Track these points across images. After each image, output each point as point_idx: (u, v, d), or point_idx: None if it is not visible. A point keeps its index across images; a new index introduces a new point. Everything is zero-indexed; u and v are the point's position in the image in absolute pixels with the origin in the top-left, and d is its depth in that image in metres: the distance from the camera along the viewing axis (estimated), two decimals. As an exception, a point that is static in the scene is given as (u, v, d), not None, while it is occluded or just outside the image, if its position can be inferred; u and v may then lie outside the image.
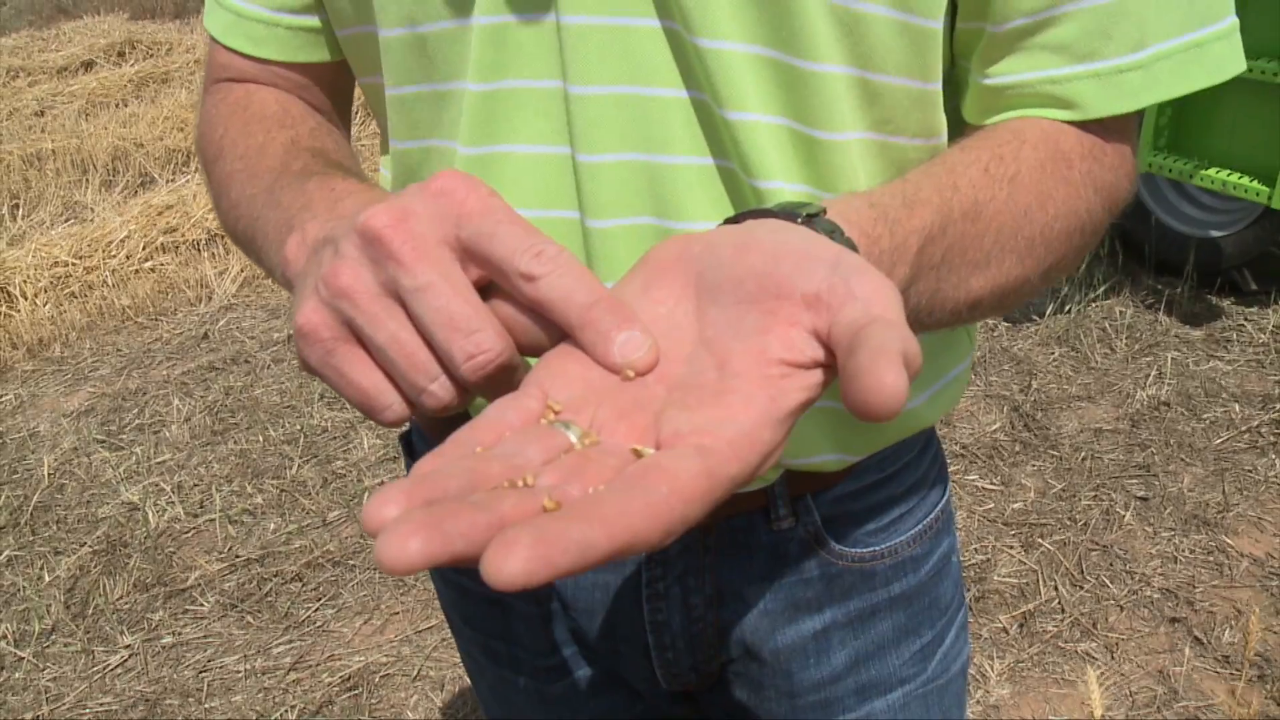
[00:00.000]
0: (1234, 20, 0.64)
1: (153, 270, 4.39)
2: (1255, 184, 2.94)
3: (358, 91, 0.80)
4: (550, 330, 0.45)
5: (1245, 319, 3.27)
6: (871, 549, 0.78)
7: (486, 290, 0.46)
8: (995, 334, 3.31)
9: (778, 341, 0.41)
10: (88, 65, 8.42)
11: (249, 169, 0.67)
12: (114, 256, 4.42)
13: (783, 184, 0.62)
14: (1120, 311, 3.35)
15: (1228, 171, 3.03)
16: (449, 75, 0.64)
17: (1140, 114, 0.66)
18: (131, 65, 8.17)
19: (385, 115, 0.71)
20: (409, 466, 0.86)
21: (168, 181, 5.41)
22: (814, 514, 0.76)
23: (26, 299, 4.14)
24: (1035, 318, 3.36)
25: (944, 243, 0.55)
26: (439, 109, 0.66)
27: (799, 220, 0.47)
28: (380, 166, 0.77)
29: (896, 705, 0.82)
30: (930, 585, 0.82)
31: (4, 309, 4.10)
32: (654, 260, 0.46)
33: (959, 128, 0.67)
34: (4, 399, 3.63)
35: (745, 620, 0.78)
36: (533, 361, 0.45)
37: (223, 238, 4.61)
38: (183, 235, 4.60)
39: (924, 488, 0.81)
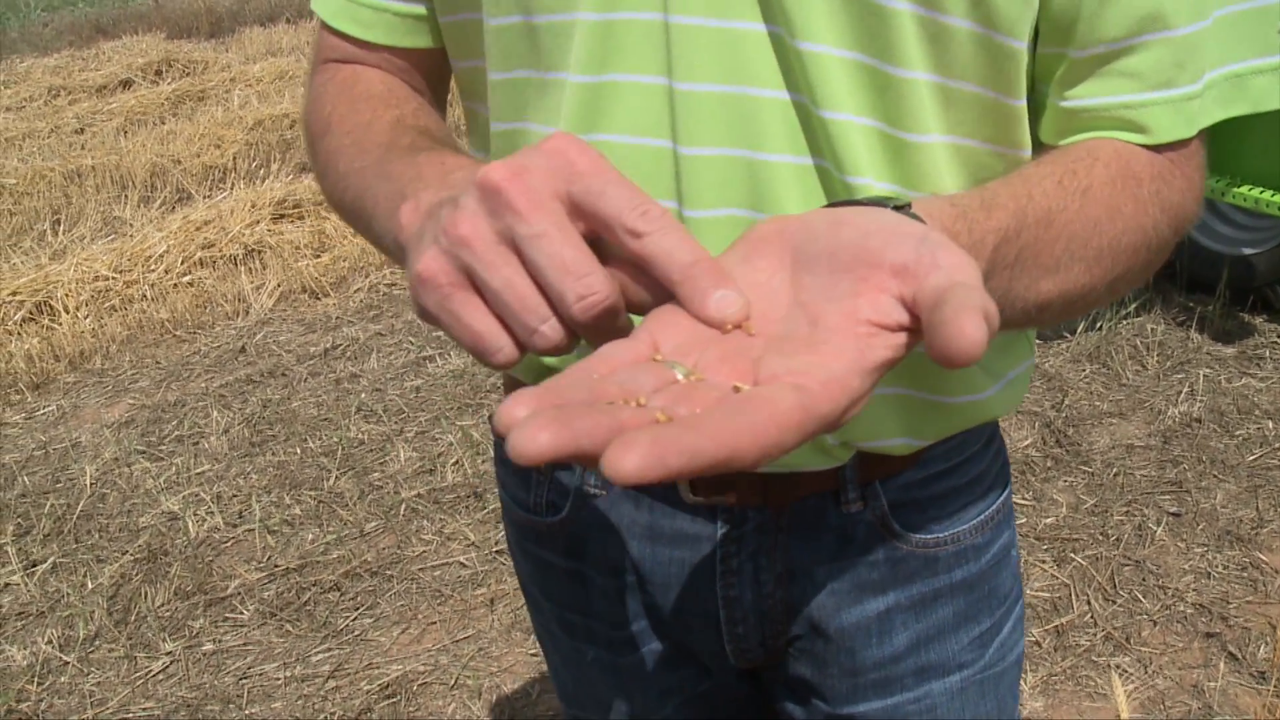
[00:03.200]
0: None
1: (191, 285, 4.46)
2: (1287, 200, 2.95)
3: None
4: (652, 287, 0.48)
5: (1279, 336, 3.26)
6: (935, 535, 0.82)
7: (593, 246, 0.49)
8: (1026, 350, 3.33)
9: (867, 304, 0.45)
10: (126, 84, 8.56)
11: (357, 144, 0.71)
12: (153, 271, 4.50)
13: (872, 181, 0.66)
14: (1152, 329, 3.35)
15: (1259, 189, 3.03)
16: (554, 65, 0.68)
17: (1204, 140, 0.70)
18: (169, 84, 8.30)
19: (481, 99, 0.75)
20: (498, 447, 0.91)
21: (204, 197, 5.50)
22: (881, 499, 0.79)
23: (68, 313, 4.22)
24: (1067, 335, 3.37)
25: (1017, 245, 0.59)
26: (542, 95, 0.70)
27: (886, 206, 0.51)
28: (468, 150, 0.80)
29: (954, 689, 0.85)
30: (990, 574, 0.85)
31: (46, 322, 4.18)
32: (754, 235, 0.50)
33: (1037, 149, 0.70)
34: (46, 410, 3.70)
35: (813, 598, 0.82)
36: (637, 320, 0.48)
37: (260, 252, 4.69)
38: (220, 250, 4.68)
39: (987, 480, 0.85)
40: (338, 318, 4.20)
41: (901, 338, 0.45)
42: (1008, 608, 0.88)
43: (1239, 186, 3.06)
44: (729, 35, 0.64)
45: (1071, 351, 3.28)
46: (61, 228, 5.31)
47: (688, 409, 0.40)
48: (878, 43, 0.63)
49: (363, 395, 3.56)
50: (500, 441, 0.91)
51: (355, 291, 4.41)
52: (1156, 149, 0.66)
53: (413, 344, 3.89)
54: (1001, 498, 0.86)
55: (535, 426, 0.36)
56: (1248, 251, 3.36)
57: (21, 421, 3.66)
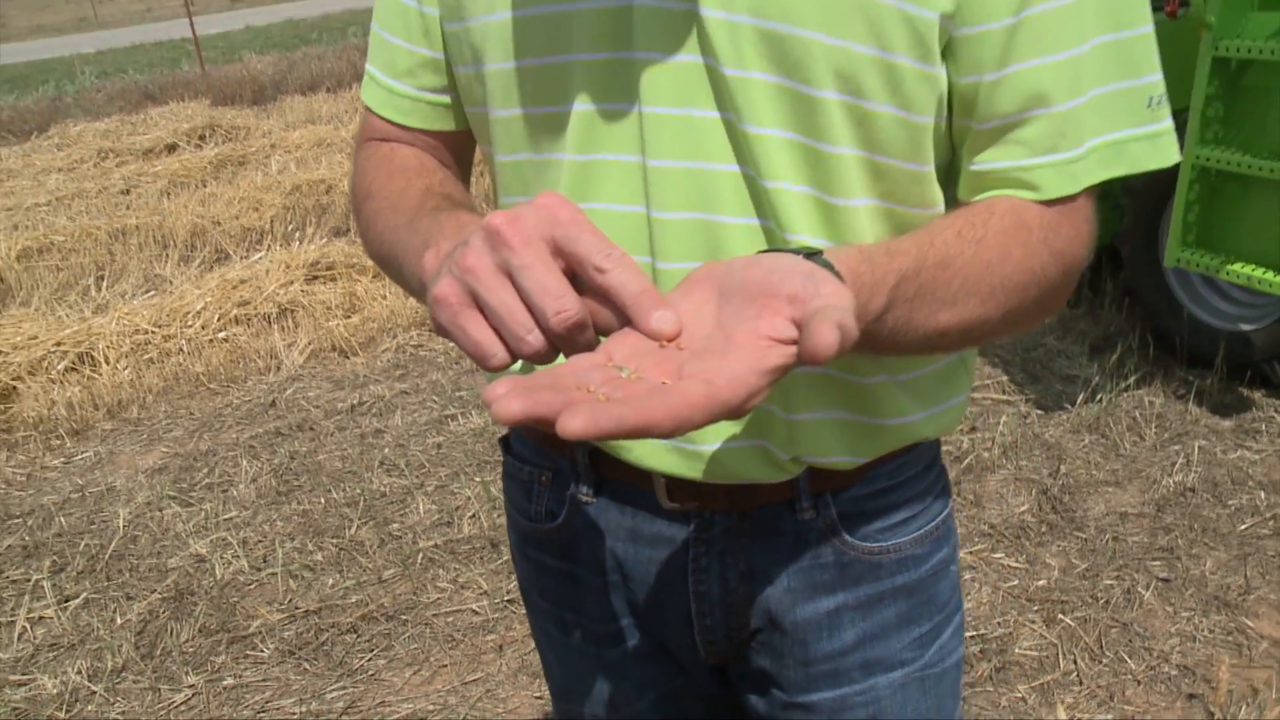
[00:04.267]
0: (1163, 125, 0.81)
1: (225, 340, 4.64)
2: (1278, 278, 3.05)
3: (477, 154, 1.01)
4: (612, 311, 0.63)
5: (1275, 410, 3.35)
6: (880, 544, 0.94)
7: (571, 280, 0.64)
8: (1028, 421, 3.42)
9: (767, 324, 0.60)
10: (171, 148, 8.89)
11: (393, 207, 0.88)
12: (190, 326, 4.68)
13: (807, 237, 0.80)
14: (1151, 401, 3.44)
15: (1253, 266, 3.14)
16: (551, 149, 0.84)
17: (1094, 195, 0.83)
18: (211, 148, 8.61)
19: (496, 178, 0.91)
20: (506, 465, 1.06)
21: (242, 258, 5.71)
22: (831, 509, 0.92)
23: (109, 364, 4.40)
24: (1067, 406, 3.46)
25: (917, 282, 0.73)
26: (541, 173, 0.86)
27: (798, 254, 0.65)
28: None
29: (897, 684, 0.97)
30: (929, 582, 0.97)
31: (88, 372, 4.36)
32: (692, 276, 0.65)
33: (956, 206, 0.84)
34: (84, 455, 3.86)
35: (771, 595, 0.94)
36: (602, 339, 0.63)
37: (292, 312, 4.86)
38: (255, 308, 4.86)
39: (927, 498, 0.97)
40: (365, 376, 4.35)
41: (793, 349, 0.59)
42: (947, 614, 0.99)
43: (1234, 264, 3.17)
44: (690, 121, 0.79)
45: (1072, 422, 3.38)
46: (105, 283, 5.53)
47: (623, 394, 0.54)
48: (811, 126, 0.77)
49: (386, 450, 3.69)
50: (509, 463, 1.05)
51: (383, 351, 4.57)
52: (1046, 203, 0.79)
53: (436, 402, 4.03)
54: (941, 516, 0.98)
55: (510, 397, 0.52)
56: (1246, 328, 3.46)
57: (60, 466, 3.81)
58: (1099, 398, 3.48)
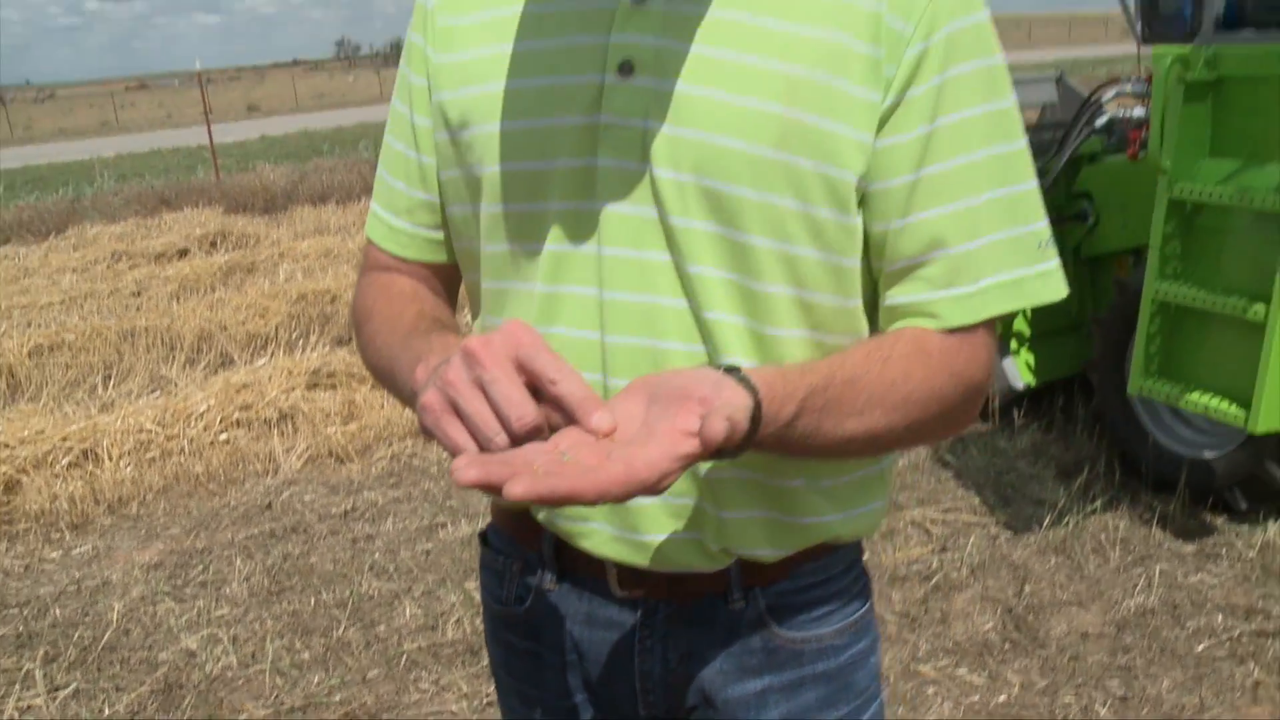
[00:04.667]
0: (1050, 265, 0.97)
1: (226, 442, 4.77)
2: (1234, 408, 3.20)
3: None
4: (563, 416, 0.77)
5: (1236, 535, 3.47)
6: (803, 634, 1.07)
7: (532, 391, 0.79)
8: (997, 542, 3.54)
9: (680, 420, 0.75)
10: (183, 252, 9.15)
11: (390, 328, 1.04)
12: (193, 427, 4.83)
13: (740, 360, 0.95)
14: (1116, 525, 3.56)
15: (1211, 396, 3.29)
16: (526, 278, 1.00)
17: (992, 325, 0.99)
18: (222, 254, 8.87)
19: (480, 300, 1.07)
20: (483, 556, 1.19)
21: (246, 363, 5.88)
22: (760, 601, 1.05)
23: (111, 460, 4.53)
24: (1035, 528, 3.58)
25: (825, 396, 0.87)
26: (516, 299, 1.02)
27: (718, 369, 0.81)
28: (475, 330, 1.12)
29: None
30: (847, 671, 1.09)
31: (91, 468, 4.49)
32: (630, 386, 0.81)
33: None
34: (83, 549, 3.97)
35: (705, 675, 1.07)
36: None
37: (292, 417, 5.01)
38: (256, 413, 5.01)
39: (846, 596, 1.10)
40: (360, 482, 4.48)
41: (699, 440, 0.75)
42: (865, 700, 1.12)
43: (1193, 393, 3.33)
44: (642, 262, 0.95)
45: (1039, 544, 3.49)
46: (112, 382, 5.69)
47: (559, 470, 0.71)
48: (745, 267, 0.93)
49: (376, 555, 3.80)
50: (485, 554, 1.19)
51: (378, 459, 4.70)
52: (948, 332, 0.94)
53: (427, 510, 4.15)
54: (859, 612, 1.11)
55: (469, 466, 0.69)
56: (1208, 454, 3.60)
57: (58, 558, 3.92)
58: (1066, 520, 3.60)
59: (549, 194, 0.97)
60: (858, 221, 0.94)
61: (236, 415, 4.96)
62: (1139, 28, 3.65)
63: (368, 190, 11.58)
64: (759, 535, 1.01)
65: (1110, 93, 4.11)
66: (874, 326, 1.00)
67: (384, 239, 1.12)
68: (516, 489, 0.67)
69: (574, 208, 0.96)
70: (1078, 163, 4.29)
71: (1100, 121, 4.05)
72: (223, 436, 4.82)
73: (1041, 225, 0.96)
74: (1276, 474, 3.42)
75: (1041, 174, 4.12)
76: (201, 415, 4.92)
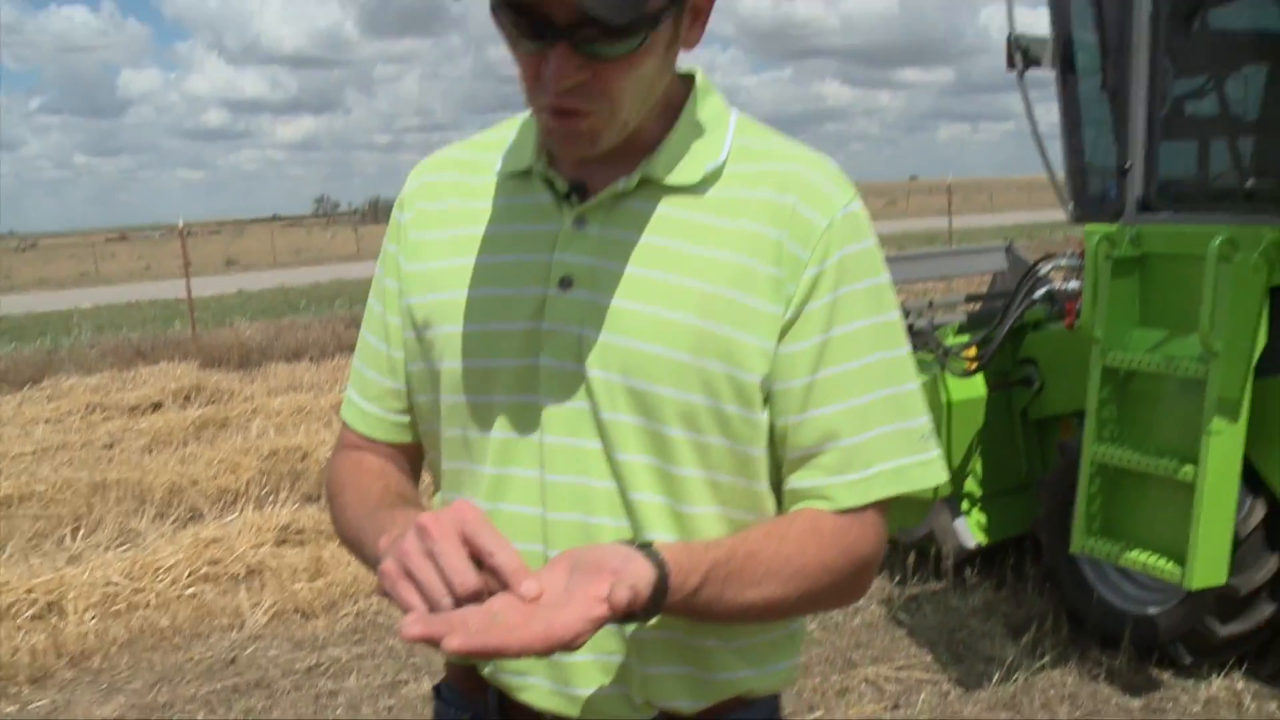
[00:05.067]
0: (931, 455, 1.12)
1: (193, 596, 4.80)
2: (1170, 565, 3.33)
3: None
4: (499, 583, 0.91)
5: (1181, 690, 3.56)
6: None
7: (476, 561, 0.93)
8: (948, 699, 3.62)
9: (595, 588, 0.88)
10: (157, 406, 9.23)
11: (359, 501, 1.18)
12: (160, 581, 4.86)
13: (661, 535, 1.09)
14: (1064, 681, 3.65)
15: (1149, 554, 3.43)
16: (478, 461, 1.15)
17: (883, 505, 1.13)
18: (196, 409, 8.95)
19: (439, 477, 1.21)
20: (436, 709, 1.29)
21: (215, 518, 5.92)
22: None
23: (76, 613, 4.54)
24: (985, 684, 3.66)
25: (727, 568, 1.01)
26: (470, 478, 1.16)
27: (632, 544, 0.95)
28: (432, 503, 1.26)
29: None
30: None
31: (54, 621, 4.50)
32: (556, 558, 0.95)
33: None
34: (40, 704, 3.95)
35: None
36: None
37: (260, 573, 5.05)
38: (224, 568, 5.05)
39: None
40: (324, 638, 4.50)
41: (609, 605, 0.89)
42: None
43: (1132, 551, 3.46)
44: (577, 449, 1.10)
45: (989, 700, 3.57)
46: (81, 534, 5.72)
47: (490, 628, 0.84)
48: (664, 454, 1.09)
49: (340, 710, 3.82)
50: (438, 707, 1.29)
51: (344, 615, 4.72)
52: (840, 513, 1.09)
53: (391, 667, 4.17)
54: None
55: (414, 622, 0.83)
56: (1151, 610, 3.72)
57: (14, 714, 3.90)
58: (1016, 677, 3.68)
59: (498, 388, 1.12)
60: (762, 417, 1.09)
61: (204, 569, 5.00)
62: (1070, 207, 3.93)
63: (341, 347, 11.76)
64: (679, 689, 1.13)
65: (1048, 265, 4.38)
66: (780, 507, 1.15)
67: (356, 421, 1.27)
68: (453, 643, 0.81)
69: (520, 400, 1.12)
70: (1023, 330, 4.53)
71: (1039, 293, 4.30)
72: (190, 590, 4.85)
73: (923, 421, 1.13)
74: (1217, 629, 3.54)
75: (986, 341, 4.35)
76: (169, 569, 4.95)
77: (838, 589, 1.11)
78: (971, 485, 4.56)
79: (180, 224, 15.83)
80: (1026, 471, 4.65)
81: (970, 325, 4.83)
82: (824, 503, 1.10)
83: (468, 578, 0.89)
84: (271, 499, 6.12)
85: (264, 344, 12.37)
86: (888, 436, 1.10)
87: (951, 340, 4.58)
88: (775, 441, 1.11)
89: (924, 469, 1.12)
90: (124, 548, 5.43)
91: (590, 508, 1.10)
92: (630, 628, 1.09)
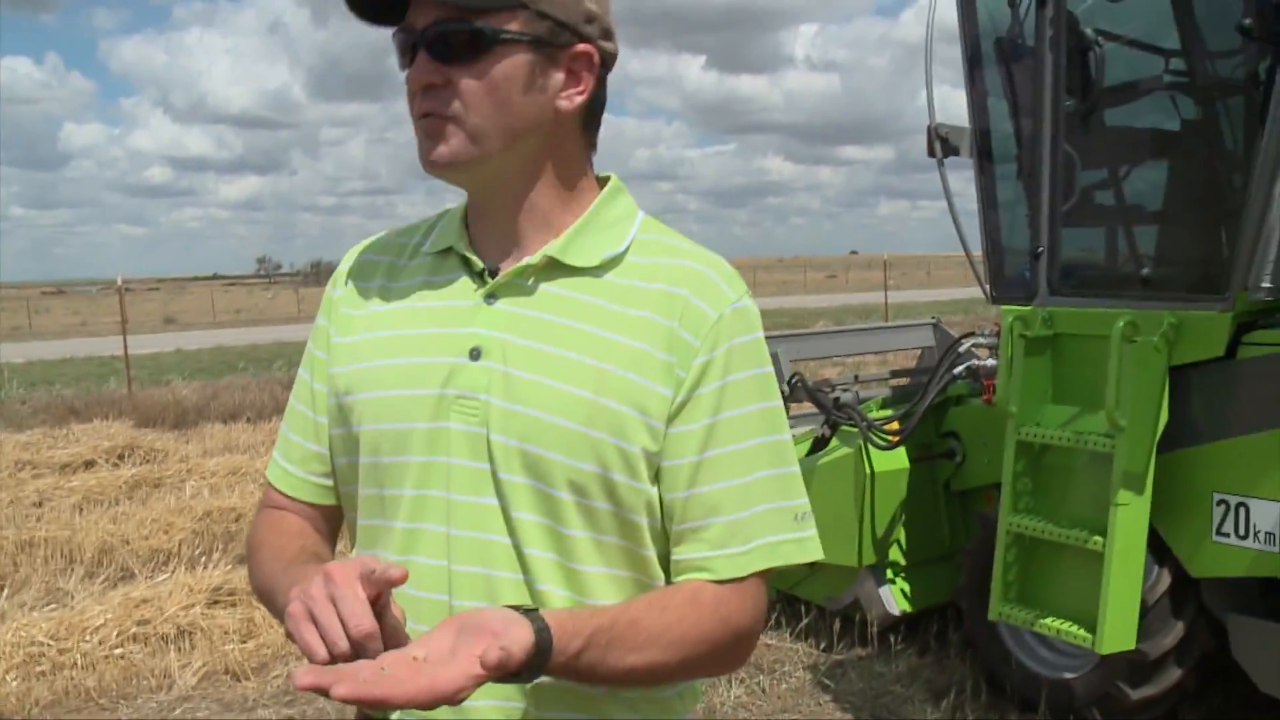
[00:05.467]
0: (807, 533, 1.23)
1: (122, 657, 4.76)
2: (1083, 631, 3.47)
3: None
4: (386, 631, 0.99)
5: (1094, 757, 3.67)
6: None
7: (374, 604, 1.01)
8: (873, 758, 3.70)
9: (476, 648, 0.96)
10: (89, 464, 9.10)
11: (275, 557, 1.26)
12: (88, 641, 4.80)
13: (552, 589, 1.18)
14: (983, 744, 3.76)
15: (1063, 620, 3.57)
16: (391, 517, 1.24)
17: (763, 578, 1.21)
18: (129, 468, 8.85)
19: (357, 535, 1.30)
20: None
21: (146, 577, 5.86)
22: None
23: (-2, 674, 4.47)
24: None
25: (609, 634, 1.10)
26: (385, 534, 1.25)
27: (521, 611, 1.03)
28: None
29: None
30: None
31: (-24, 682, 4.43)
32: (446, 620, 1.03)
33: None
34: (-38, 768, 3.89)
35: None
36: None
37: (190, 633, 5.02)
38: (154, 628, 5.01)
39: None
40: (255, 700, 4.48)
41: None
42: None
43: (1047, 618, 3.60)
44: (480, 507, 1.20)
45: (911, 761, 3.66)
46: (5, 593, 5.63)
47: (377, 679, 0.93)
48: (554, 514, 1.19)
49: (267, 772, 3.80)
50: None
51: (275, 677, 4.70)
52: (721, 583, 1.20)
53: (322, 729, 4.17)
54: None
55: (305, 673, 0.91)
56: (1067, 675, 3.85)
57: (-65, 777, 3.83)
58: (935, 741, 3.79)
59: (411, 449, 1.22)
60: (646, 488, 1.20)
61: (134, 630, 4.95)
62: (988, 289, 4.13)
63: (279, 409, 11.66)
64: None
65: (969, 343, 4.57)
66: (666, 574, 1.25)
67: (279, 480, 1.36)
68: (340, 690, 0.89)
69: (430, 460, 1.21)
70: (945, 405, 4.70)
71: (959, 369, 4.48)
72: (118, 651, 4.80)
73: (801, 501, 1.24)
74: (1129, 693, 3.68)
75: (909, 415, 4.52)
76: (97, 629, 4.90)
77: (716, 657, 1.21)
78: (896, 554, 4.70)
79: (118, 279, 15.69)
80: (950, 541, 4.80)
81: (895, 400, 5.00)
82: (705, 574, 1.20)
83: (364, 621, 0.97)
84: (204, 560, 6.08)
85: (200, 404, 12.27)
86: (767, 514, 1.21)
87: (875, 414, 4.74)
88: (664, 515, 1.22)
89: (799, 545, 1.23)
90: (50, 607, 5.36)
91: (491, 562, 1.19)
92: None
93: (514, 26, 1.16)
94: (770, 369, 1.26)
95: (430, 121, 1.19)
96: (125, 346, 14.70)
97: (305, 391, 1.35)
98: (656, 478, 1.20)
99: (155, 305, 62.52)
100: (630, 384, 1.18)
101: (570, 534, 1.19)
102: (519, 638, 0.98)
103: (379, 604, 1.00)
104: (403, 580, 1.00)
